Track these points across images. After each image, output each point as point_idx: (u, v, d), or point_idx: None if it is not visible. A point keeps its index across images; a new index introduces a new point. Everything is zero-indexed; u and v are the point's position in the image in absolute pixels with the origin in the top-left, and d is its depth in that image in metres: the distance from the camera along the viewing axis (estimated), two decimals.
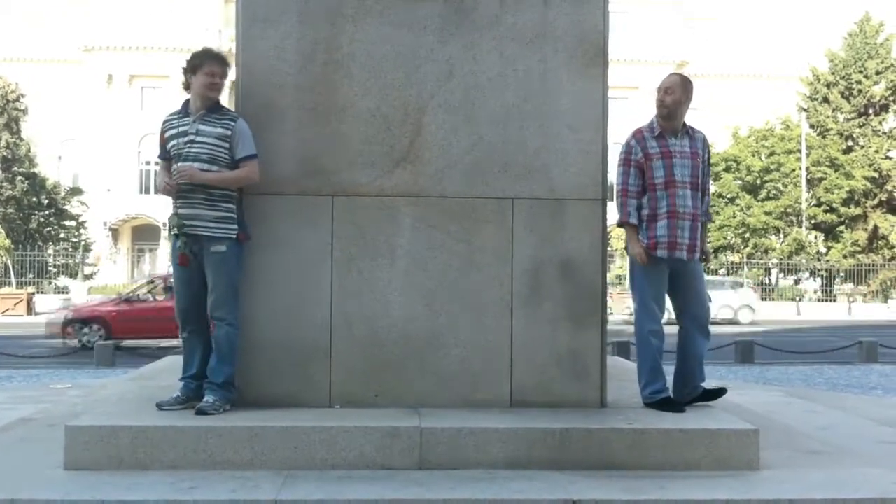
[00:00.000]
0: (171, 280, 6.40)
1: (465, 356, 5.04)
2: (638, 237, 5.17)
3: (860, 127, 42.06)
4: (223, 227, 4.83)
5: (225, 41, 43.45)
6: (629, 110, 38.11)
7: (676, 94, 5.21)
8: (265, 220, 5.00)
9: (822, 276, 40.84)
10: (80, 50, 48.01)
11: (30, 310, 30.58)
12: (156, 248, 46.52)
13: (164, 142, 4.97)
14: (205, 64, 4.88)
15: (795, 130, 41.59)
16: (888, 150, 41.92)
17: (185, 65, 4.95)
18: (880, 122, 42.38)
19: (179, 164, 4.83)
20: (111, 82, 47.95)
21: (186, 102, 4.97)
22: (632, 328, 5.48)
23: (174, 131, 4.92)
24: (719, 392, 5.41)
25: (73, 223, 43.17)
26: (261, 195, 4.99)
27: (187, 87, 4.95)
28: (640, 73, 46.29)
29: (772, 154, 41.05)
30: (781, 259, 40.49)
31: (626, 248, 5.36)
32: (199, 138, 4.82)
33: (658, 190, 5.13)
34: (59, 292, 35.66)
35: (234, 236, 4.84)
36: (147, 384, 6.26)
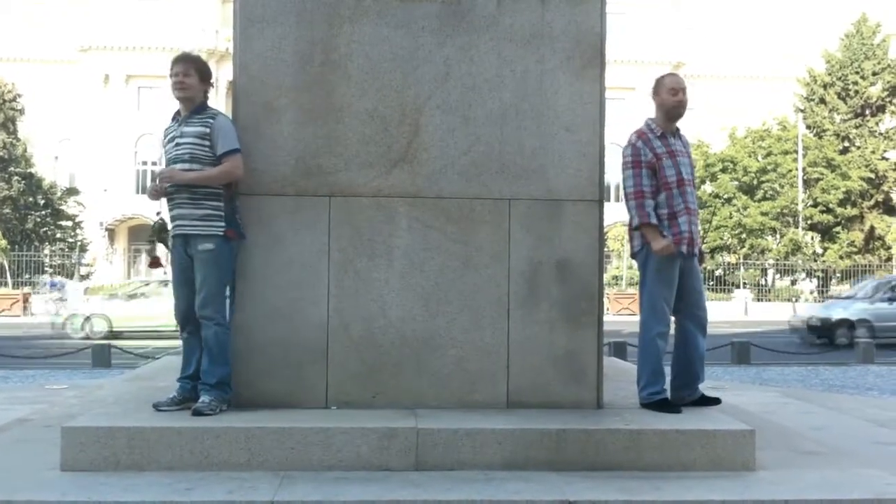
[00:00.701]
0: None
1: (462, 357, 5.04)
2: (661, 235, 5.14)
3: (857, 128, 42.09)
4: (209, 225, 4.84)
5: (222, 41, 43.45)
6: (626, 111, 38.12)
7: (687, 93, 5.29)
8: (262, 220, 4.99)
9: (819, 276, 40.82)
10: (76, 50, 47.87)
11: (26, 310, 30.66)
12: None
13: (164, 152, 5.08)
14: (170, 69, 4.97)
15: (792, 131, 41.61)
16: (884, 151, 41.95)
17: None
18: (877, 123, 42.41)
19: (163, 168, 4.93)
20: (108, 82, 47.82)
21: (178, 111, 5.04)
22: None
23: (166, 139, 5.03)
24: (714, 401, 5.40)
25: (69, 223, 43.06)
26: (258, 195, 5.00)
27: None
28: (636, 74, 46.26)
29: (768, 155, 41.05)
30: (778, 260, 40.50)
31: (634, 254, 5.28)
32: (181, 140, 4.89)
33: (673, 188, 5.16)
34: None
35: (222, 233, 4.84)
36: (144, 385, 6.26)
